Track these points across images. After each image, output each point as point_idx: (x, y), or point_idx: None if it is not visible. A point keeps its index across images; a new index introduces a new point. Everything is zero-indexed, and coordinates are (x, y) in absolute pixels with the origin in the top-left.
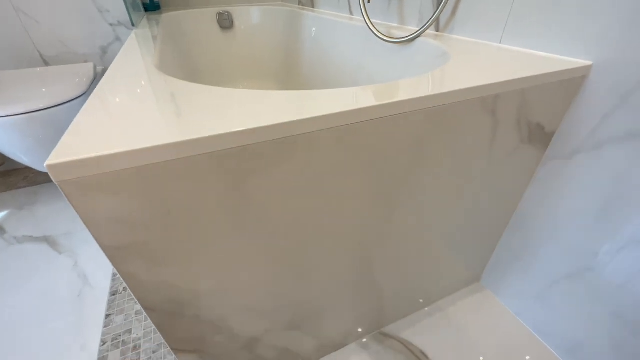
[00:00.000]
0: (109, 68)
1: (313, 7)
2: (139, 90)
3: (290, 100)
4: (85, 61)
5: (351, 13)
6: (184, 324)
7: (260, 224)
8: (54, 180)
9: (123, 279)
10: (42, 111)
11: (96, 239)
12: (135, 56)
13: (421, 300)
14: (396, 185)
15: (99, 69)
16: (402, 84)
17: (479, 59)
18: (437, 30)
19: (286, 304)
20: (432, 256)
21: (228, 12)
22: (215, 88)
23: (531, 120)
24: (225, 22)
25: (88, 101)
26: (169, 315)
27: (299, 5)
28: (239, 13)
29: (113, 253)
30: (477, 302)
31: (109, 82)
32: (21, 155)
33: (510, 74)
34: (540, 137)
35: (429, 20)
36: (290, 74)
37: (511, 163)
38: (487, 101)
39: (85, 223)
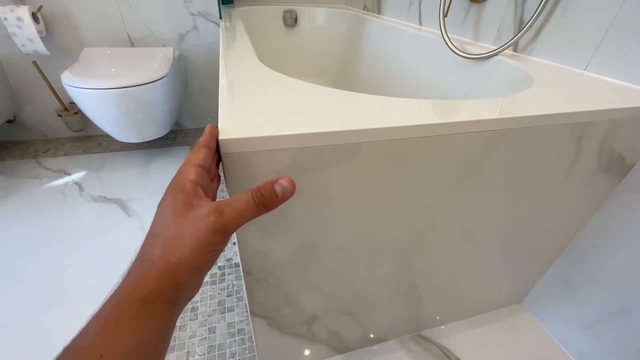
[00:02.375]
0: (222, 57)
1: (379, 13)
2: (262, 80)
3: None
4: (164, 45)
5: (420, 24)
6: (266, 291)
7: (327, 218)
8: (221, 151)
9: (238, 243)
10: (132, 87)
11: None
12: (239, 48)
13: (460, 312)
14: (452, 199)
15: (176, 53)
16: (491, 102)
17: (565, 85)
18: (515, 50)
19: (347, 289)
20: (475, 272)
21: (294, 10)
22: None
23: (613, 150)
24: (289, 20)
25: (223, 88)
26: (258, 281)
27: (363, 10)
28: (304, 13)
29: None
30: (519, 323)
31: (231, 71)
32: (105, 123)
33: (602, 103)
34: (618, 167)
35: (510, 41)
36: (346, 77)
37: (582, 191)
38: (577, 128)
39: (228, 189)
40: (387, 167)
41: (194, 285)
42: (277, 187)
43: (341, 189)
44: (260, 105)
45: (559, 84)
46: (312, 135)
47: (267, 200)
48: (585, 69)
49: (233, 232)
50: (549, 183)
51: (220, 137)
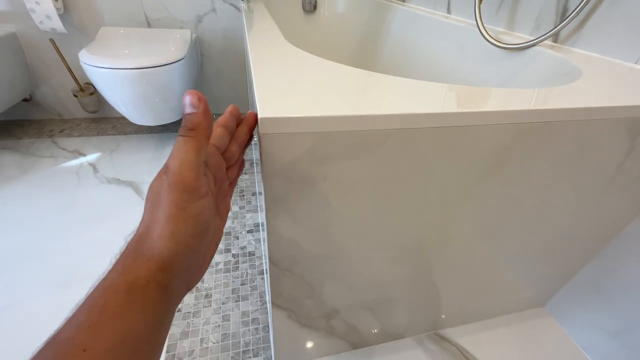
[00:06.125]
0: (249, 40)
1: (403, 0)
2: (297, 63)
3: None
4: (181, 27)
5: (449, 12)
6: (290, 282)
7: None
8: (259, 132)
9: (267, 232)
10: (150, 69)
11: (265, 189)
12: (268, 30)
13: (480, 312)
14: (479, 195)
15: (194, 36)
16: (541, 92)
17: (617, 78)
18: (555, 41)
19: (370, 284)
20: (497, 273)
21: None
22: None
23: None
24: (308, 6)
25: (256, 72)
26: (283, 272)
27: None
28: None
29: (271, 204)
30: (540, 327)
31: (262, 53)
32: (121, 104)
33: None
34: None
35: (551, 30)
36: (365, 67)
37: (625, 193)
38: (636, 124)
39: (263, 173)
40: (413, 157)
41: (186, 267)
42: (187, 107)
43: (364, 179)
44: (296, 87)
45: (610, 77)
46: (342, 118)
47: (190, 124)
48: (636, 62)
49: (194, 181)
50: (589, 183)
51: (261, 115)
